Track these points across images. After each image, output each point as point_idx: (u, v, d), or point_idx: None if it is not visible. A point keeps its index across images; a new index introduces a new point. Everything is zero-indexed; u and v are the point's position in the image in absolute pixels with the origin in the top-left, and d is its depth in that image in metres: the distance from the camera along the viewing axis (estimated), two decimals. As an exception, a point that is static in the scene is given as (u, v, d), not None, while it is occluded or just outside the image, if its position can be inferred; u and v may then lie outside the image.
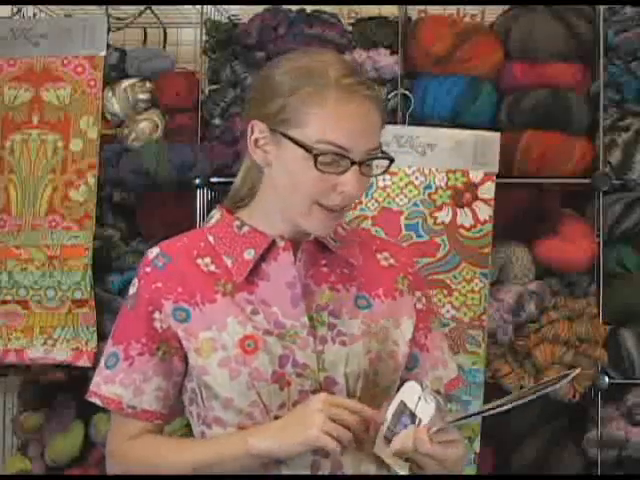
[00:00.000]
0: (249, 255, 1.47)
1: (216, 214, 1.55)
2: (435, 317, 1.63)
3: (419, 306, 1.59)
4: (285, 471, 1.42)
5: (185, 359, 1.48)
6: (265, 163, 1.46)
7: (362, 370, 1.46)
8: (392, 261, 1.59)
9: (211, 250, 1.50)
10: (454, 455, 1.38)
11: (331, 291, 1.50)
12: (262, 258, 1.48)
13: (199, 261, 1.49)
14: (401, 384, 1.44)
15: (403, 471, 1.38)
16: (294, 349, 1.43)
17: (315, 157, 1.39)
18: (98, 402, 1.51)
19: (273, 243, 1.48)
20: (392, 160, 1.47)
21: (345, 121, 1.40)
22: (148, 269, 1.50)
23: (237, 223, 1.50)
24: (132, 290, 1.52)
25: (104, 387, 1.50)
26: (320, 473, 1.42)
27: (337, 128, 1.40)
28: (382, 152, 1.46)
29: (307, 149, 1.39)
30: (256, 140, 1.46)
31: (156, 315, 1.47)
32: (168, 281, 1.48)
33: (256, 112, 1.46)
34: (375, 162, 1.47)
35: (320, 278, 1.50)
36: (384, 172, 1.49)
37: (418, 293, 1.60)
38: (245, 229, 1.49)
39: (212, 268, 1.49)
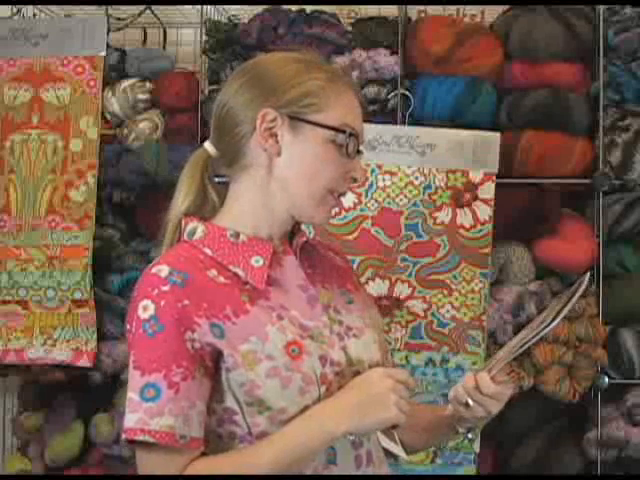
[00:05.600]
0: (258, 263, 1.43)
1: (197, 227, 1.47)
2: None
3: None
4: (335, 471, 1.42)
5: (213, 378, 1.39)
6: (275, 153, 1.43)
7: (376, 359, 1.48)
8: (338, 259, 1.63)
9: (214, 263, 1.43)
10: (510, 392, 1.50)
11: (325, 290, 1.51)
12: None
13: (209, 274, 1.41)
14: None
15: (402, 453, 1.47)
16: (326, 348, 1.43)
17: (350, 136, 1.43)
18: (150, 440, 1.34)
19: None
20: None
21: (355, 107, 1.47)
22: (165, 288, 1.37)
23: (230, 232, 1.45)
24: (146, 314, 1.37)
25: (152, 422, 1.34)
26: (363, 467, 1.45)
27: (350, 113, 1.46)
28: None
29: (337, 130, 1.43)
30: (267, 129, 1.42)
31: (188, 335, 1.36)
32: (193, 298, 1.37)
33: (265, 102, 1.43)
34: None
35: (313, 278, 1.50)
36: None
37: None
38: (242, 238, 1.45)
39: (222, 280, 1.41)
